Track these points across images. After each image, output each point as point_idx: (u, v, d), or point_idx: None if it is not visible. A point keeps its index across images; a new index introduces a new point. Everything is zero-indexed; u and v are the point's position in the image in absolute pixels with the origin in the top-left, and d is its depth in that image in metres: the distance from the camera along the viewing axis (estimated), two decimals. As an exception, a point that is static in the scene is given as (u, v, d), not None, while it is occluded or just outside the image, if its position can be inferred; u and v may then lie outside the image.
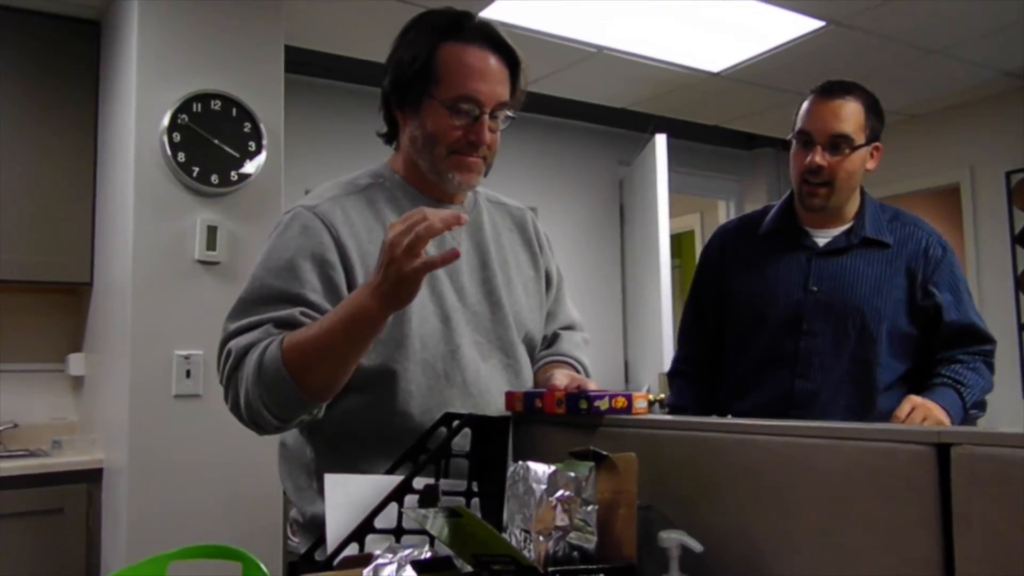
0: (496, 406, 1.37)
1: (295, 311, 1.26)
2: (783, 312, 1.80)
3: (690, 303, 2.01)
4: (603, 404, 1.20)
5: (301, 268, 1.29)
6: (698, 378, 1.96)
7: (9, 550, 2.68)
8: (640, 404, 1.23)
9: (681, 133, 4.72)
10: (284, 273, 1.29)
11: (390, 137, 1.47)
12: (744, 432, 1.01)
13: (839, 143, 1.74)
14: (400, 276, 1.11)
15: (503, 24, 3.35)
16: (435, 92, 1.33)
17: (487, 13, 3.30)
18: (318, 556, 1.17)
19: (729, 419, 1.10)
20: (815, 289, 1.78)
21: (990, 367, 1.80)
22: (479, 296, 1.42)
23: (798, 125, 1.80)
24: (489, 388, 1.38)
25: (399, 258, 1.10)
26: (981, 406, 1.75)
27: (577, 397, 1.23)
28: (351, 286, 1.30)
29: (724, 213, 5.40)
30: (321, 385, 1.21)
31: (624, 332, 4.82)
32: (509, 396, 1.36)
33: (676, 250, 5.95)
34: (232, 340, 1.28)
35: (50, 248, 3.05)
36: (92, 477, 2.85)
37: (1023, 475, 0.75)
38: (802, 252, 1.82)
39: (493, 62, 1.34)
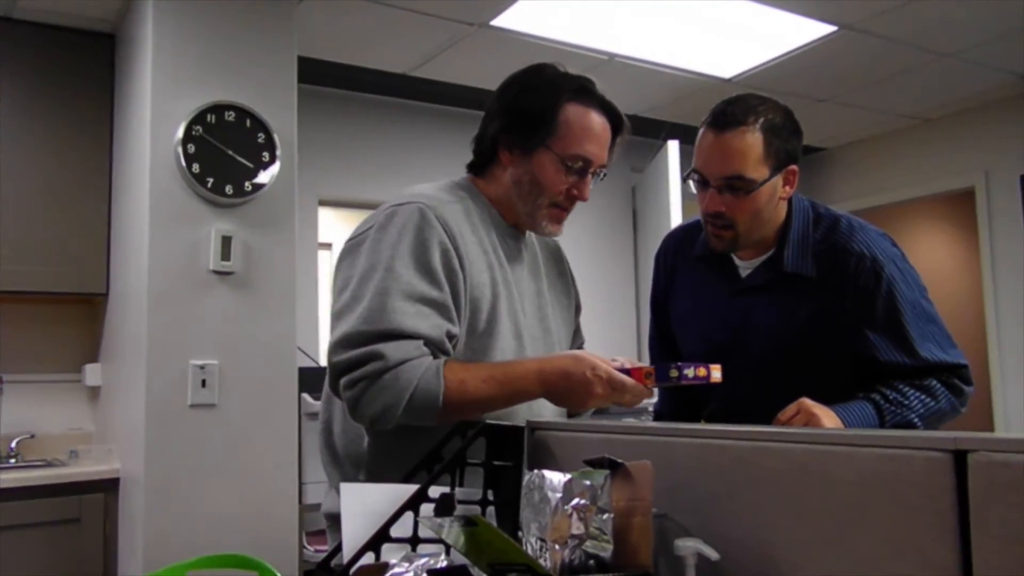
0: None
1: (444, 336, 1.35)
2: (706, 350, 1.64)
3: (652, 313, 1.89)
4: (690, 372, 1.28)
5: (437, 272, 1.36)
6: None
7: (27, 560, 2.70)
8: (716, 375, 1.30)
9: (693, 139, 4.71)
10: (426, 276, 1.36)
11: (479, 168, 1.55)
12: (760, 439, 1.01)
13: (735, 184, 1.50)
14: (588, 403, 1.35)
15: (516, 32, 3.39)
16: (552, 144, 1.44)
17: (500, 21, 3.32)
18: (334, 564, 1.17)
19: (745, 427, 1.09)
20: (732, 331, 1.63)
21: (952, 387, 1.55)
22: (534, 320, 1.53)
23: (693, 164, 1.57)
24: (543, 404, 1.44)
25: (600, 397, 1.33)
26: (909, 428, 1.51)
27: (667, 367, 1.30)
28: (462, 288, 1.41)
29: (737, 219, 5.37)
30: (460, 420, 1.30)
31: (638, 337, 4.81)
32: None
33: (689, 256, 5.94)
34: (382, 344, 1.30)
35: (66, 259, 3.07)
36: (109, 487, 2.86)
37: (1042, 482, 0.74)
38: (725, 285, 1.66)
39: (606, 128, 1.48)
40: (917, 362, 1.53)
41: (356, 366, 1.31)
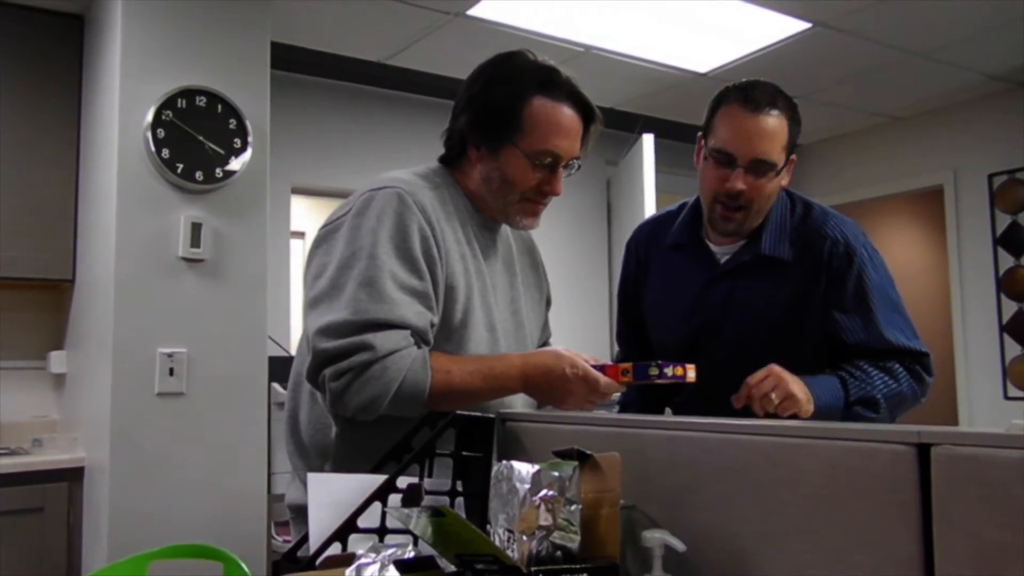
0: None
1: (427, 325, 1.34)
2: (682, 335, 1.67)
3: (619, 305, 1.88)
4: (669, 371, 1.30)
5: (419, 260, 1.35)
6: None
7: (-11, 549, 2.65)
8: (691, 375, 1.33)
9: (668, 133, 4.73)
10: (408, 263, 1.34)
11: (450, 160, 1.52)
12: (727, 432, 1.02)
13: (762, 168, 1.53)
14: (567, 401, 1.36)
15: (492, 23, 3.37)
16: (519, 142, 1.41)
17: (476, 11, 3.30)
18: (300, 555, 1.16)
19: (712, 419, 1.10)
20: (710, 315, 1.65)
21: (913, 373, 1.59)
22: (506, 313, 1.52)
23: (716, 142, 1.56)
24: (513, 397, 1.44)
25: (578, 395, 1.34)
26: (873, 406, 1.54)
27: (646, 365, 1.32)
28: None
29: (710, 213, 5.41)
30: (444, 410, 1.28)
31: (611, 330, 4.83)
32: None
33: (662, 250, 5.96)
34: (370, 334, 1.29)
35: (32, 245, 3.01)
36: (73, 476, 2.82)
37: (1002, 475, 0.75)
38: (703, 271, 1.67)
39: (575, 120, 1.44)
40: (881, 344, 1.57)
41: (343, 356, 1.28)
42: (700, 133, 1.64)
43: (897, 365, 1.58)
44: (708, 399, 1.51)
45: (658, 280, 1.76)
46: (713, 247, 1.67)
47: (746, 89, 1.56)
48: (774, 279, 1.60)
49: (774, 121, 1.53)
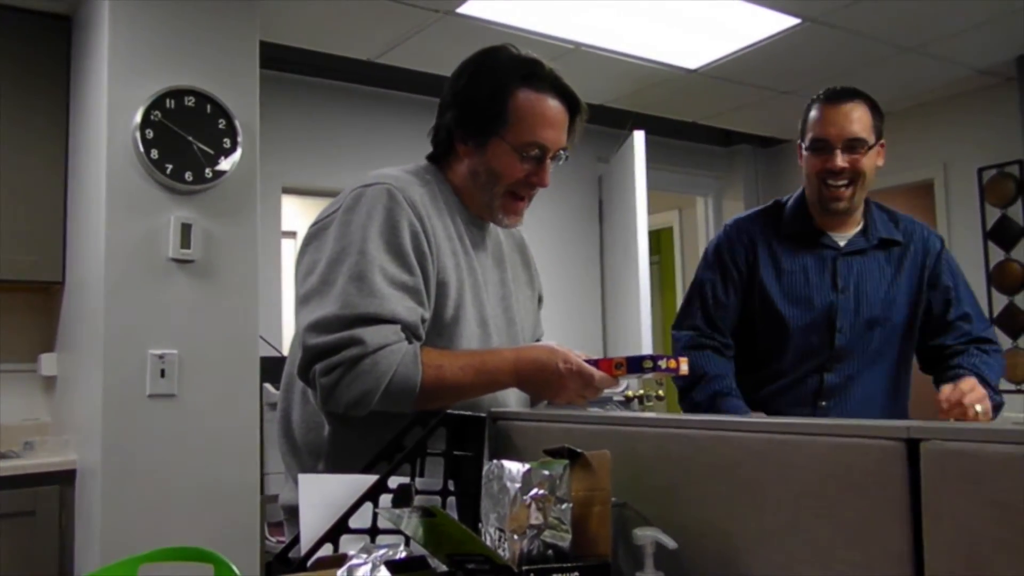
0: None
1: (418, 321, 1.34)
2: (817, 313, 1.84)
3: (712, 289, 1.92)
4: (663, 364, 1.30)
5: (409, 255, 1.35)
6: (725, 354, 1.91)
7: (-20, 553, 2.64)
8: (684, 368, 1.33)
9: (659, 130, 4.73)
10: (398, 259, 1.34)
11: (439, 159, 1.53)
12: (718, 428, 1.02)
13: (855, 145, 1.79)
14: (561, 395, 1.35)
15: (481, 20, 3.37)
16: (505, 135, 1.42)
17: (465, 9, 3.30)
18: (292, 556, 1.16)
19: (702, 416, 1.10)
20: (844, 289, 1.84)
21: (1000, 352, 1.89)
22: (498, 310, 1.52)
23: (811, 134, 1.83)
24: (507, 394, 1.44)
25: (572, 390, 1.33)
26: (999, 397, 1.82)
27: (640, 359, 1.32)
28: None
29: (702, 209, 5.42)
30: (436, 407, 1.28)
31: (603, 328, 4.83)
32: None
33: (654, 246, 5.97)
34: (360, 328, 1.28)
35: (21, 247, 3.00)
36: (65, 479, 2.81)
37: (991, 470, 0.76)
38: (826, 252, 1.87)
39: (561, 111, 1.45)
40: (976, 310, 1.91)
41: (333, 351, 1.28)
42: (799, 141, 1.88)
43: (996, 353, 1.87)
44: (836, 363, 1.83)
45: (780, 265, 1.89)
46: (832, 235, 1.89)
47: (827, 92, 1.85)
48: (890, 259, 1.88)
49: (856, 106, 1.81)
